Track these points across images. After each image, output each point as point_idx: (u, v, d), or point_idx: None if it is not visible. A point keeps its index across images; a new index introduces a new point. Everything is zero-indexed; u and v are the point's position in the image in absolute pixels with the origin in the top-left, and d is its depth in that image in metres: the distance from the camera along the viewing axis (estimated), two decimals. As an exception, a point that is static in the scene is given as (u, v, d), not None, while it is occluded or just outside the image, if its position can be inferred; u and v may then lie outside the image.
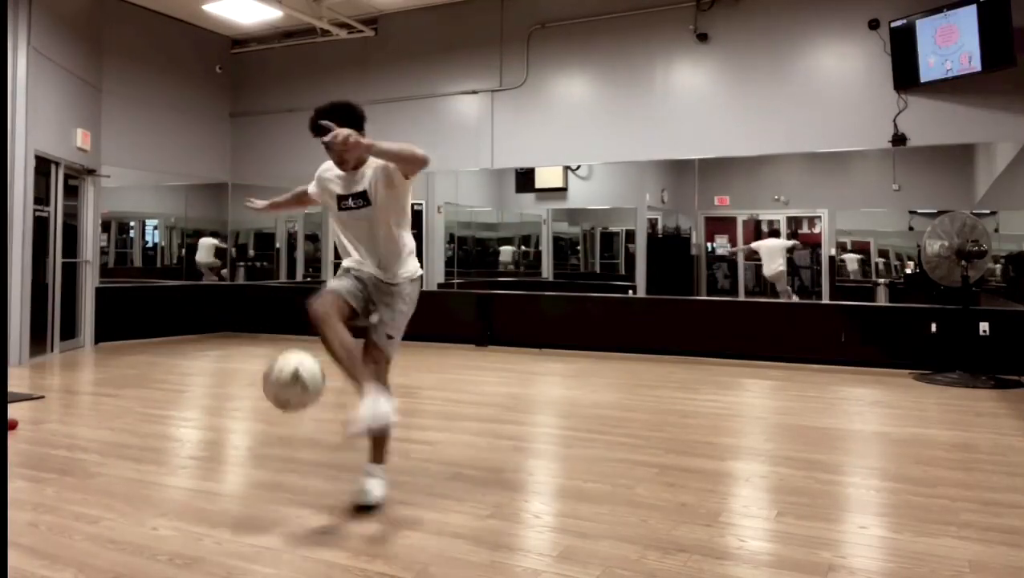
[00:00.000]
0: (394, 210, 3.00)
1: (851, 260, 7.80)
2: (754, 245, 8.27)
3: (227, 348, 8.27)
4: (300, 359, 2.73)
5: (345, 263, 3.07)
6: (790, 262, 8.14)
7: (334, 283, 2.96)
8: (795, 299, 8.06)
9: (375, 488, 2.96)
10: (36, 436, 4.10)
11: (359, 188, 2.97)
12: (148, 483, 3.26)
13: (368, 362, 2.90)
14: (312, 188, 3.22)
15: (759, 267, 8.29)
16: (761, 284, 8.30)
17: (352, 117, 2.95)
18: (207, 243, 9.90)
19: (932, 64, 6.52)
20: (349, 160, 2.95)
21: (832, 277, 7.65)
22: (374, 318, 3.00)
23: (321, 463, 3.57)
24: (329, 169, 3.07)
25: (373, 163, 3.00)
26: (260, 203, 3.52)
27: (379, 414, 2.72)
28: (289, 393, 2.71)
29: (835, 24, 7.10)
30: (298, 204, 3.44)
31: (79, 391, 5.79)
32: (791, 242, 8.13)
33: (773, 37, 7.33)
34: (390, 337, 2.99)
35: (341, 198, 3.01)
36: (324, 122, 2.89)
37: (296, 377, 2.69)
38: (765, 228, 8.29)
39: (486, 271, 9.51)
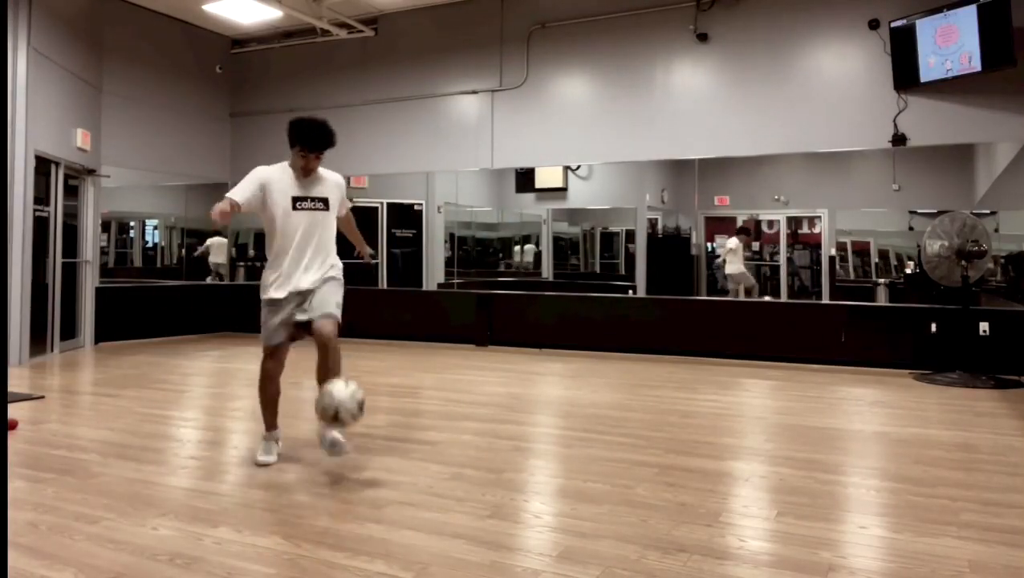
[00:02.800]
0: (335, 218, 3.68)
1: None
2: (729, 244, 8.26)
3: (227, 348, 8.27)
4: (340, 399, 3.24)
5: (272, 291, 3.51)
6: (790, 262, 8.14)
7: (276, 336, 3.54)
8: (759, 297, 8.12)
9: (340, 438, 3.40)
10: (36, 436, 4.10)
11: (320, 193, 3.58)
12: (148, 483, 3.26)
13: (321, 349, 3.43)
14: (242, 197, 3.47)
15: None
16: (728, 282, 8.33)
17: (332, 142, 3.57)
18: (220, 242, 9.91)
19: (932, 64, 6.52)
20: (315, 170, 3.56)
21: (832, 277, 7.65)
22: (311, 312, 3.48)
23: (321, 463, 3.57)
24: (281, 174, 3.54)
25: (327, 176, 3.64)
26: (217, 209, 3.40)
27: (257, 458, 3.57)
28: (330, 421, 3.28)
29: (835, 24, 7.10)
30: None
31: (79, 391, 5.79)
32: (733, 243, 8.18)
33: (773, 37, 7.33)
34: (335, 308, 3.53)
35: (299, 199, 3.53)
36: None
37: (337, 417, 3.24)
38: (766, 228, 8.29)
39: (486, 271, 9.51)
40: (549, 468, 3.62)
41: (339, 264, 3.69)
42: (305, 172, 3.54)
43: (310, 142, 3.48)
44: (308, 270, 3.54)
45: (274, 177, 3.54)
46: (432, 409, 5.01)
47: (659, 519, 2.82)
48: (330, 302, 3.51)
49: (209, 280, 9.86)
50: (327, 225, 3.62)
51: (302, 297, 3.53)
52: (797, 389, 5.79)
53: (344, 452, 3.40)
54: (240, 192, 3.48)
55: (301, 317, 3.51)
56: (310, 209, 3.55)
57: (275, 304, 3.52)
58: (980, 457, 3.76)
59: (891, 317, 6.91)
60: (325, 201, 3.59)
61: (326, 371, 3.42)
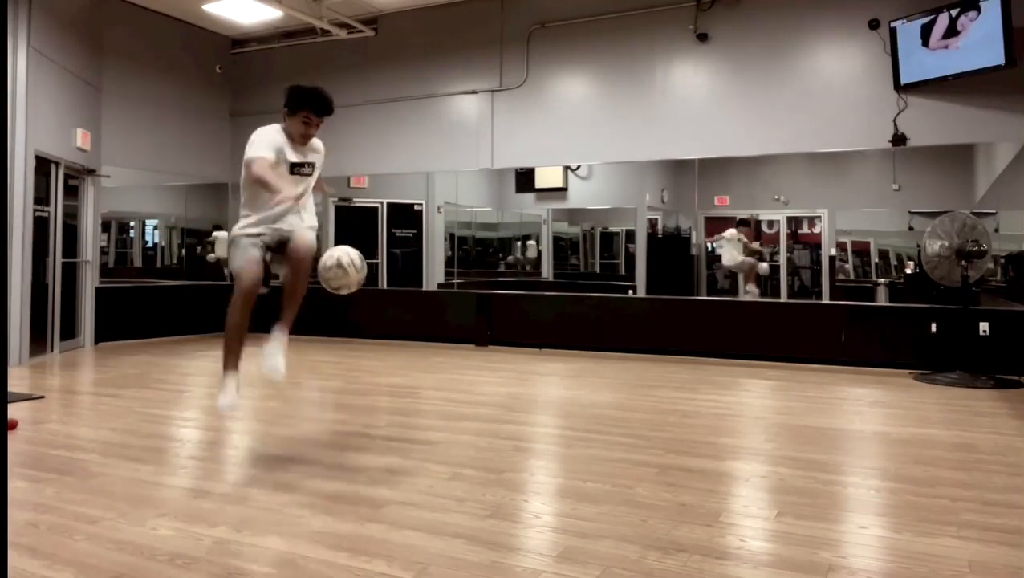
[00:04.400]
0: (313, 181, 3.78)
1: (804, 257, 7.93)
2: (726, 234, 8.23)
3: (227, 348, 8.26)
4: (342, 251, 3.53)
5: (259, 225, 3.54)
6: (789, 262, 8.13)
7: (253, 253, 3.50)
8: (755, 292, 8.12)
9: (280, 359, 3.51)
10: (36, 436, 4.10)
11: (310, 160, 3.68)
12: (148, 483, 3.26)
13: (289, 273, 3.55)
14: (273, 154, 3.52)
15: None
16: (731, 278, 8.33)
17: (333, 108, 3.64)
18: (223, 237, 9.88)
19: (932, 64, 6.52)
20: (311, 136, 3.62)
21: (832, 277, 7.65)
22: (286, 234, 3.54)
23: (321, 463, 3.57)
24: (279, 137, 3.55)
25: (319, 146, 3.74)
26: (290, 193, 3.49)
27: (228, 404, 3.46)
28: (332, 274, 3.52)
29: (835, 24, 7.10)
30: None
31: (79, 391, 5.79)
32: (730, 233, 8.15)
33: (773, 37, 7.33)
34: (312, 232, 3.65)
35: (296, 165, 3.61)
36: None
37: (339, 264, 3.50)
38: (766, 228, 8.28)
39: (486, 271, 9.51)
40: (549, 468, 3.62)
41: (315, 221, 3.78)
42: (305, 139, 3.59)
43: (316, 106, 3.53)
44: (286, 219, 3.59)
45: (275, 136, 3.57)
46: (432, 409, 5.01)
47: (659, 519, 2.82)
48: (309, 228, 3.64)
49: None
50: (310, 189, 3.72)
51: (279, 234, 3.57)
52: (797, 389, 5.79)
53: (278, 373, 3.49)
54: (266, 149, 3.49)
55: (280, 248, 3.56)
56: (304, 174, 3.64)
57: (251, 236, 3.54)
58: (980, 457, 3.76)
59: (891, 317, 6.91)
60: (313, 166, 3.70)
61: (292, 286, 3.54)
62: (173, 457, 3.73)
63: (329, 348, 8.08)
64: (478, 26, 8.57)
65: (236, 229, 3.62)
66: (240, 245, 3.55)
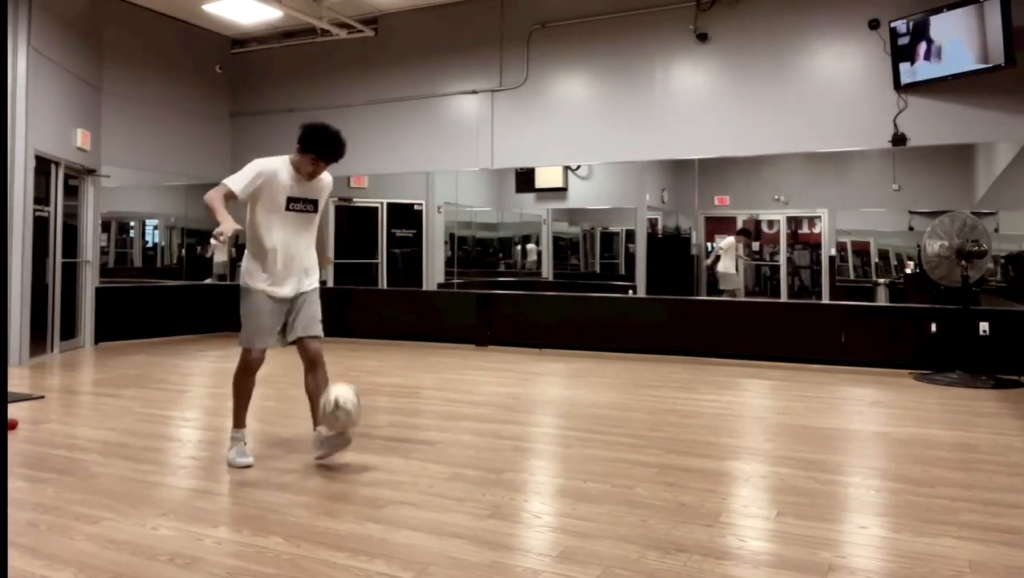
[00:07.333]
0: (318, 221, 3.69)
1: (801, 256, 7.95)
2: (723, 245, 8.25)
3: (227, 348, 8.27)
4: (338, 392, 3.36)
5: (262, 284, 3.49)
6: (790, 262, 8.14)
7: (266, 328, 3.51)
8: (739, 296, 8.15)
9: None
10: (36, 436, 4.10)
11: (312, 195, 3.59)
12: (148, 483, 3.26)
13: (309, 365, 3.61)
14: (241, 190, 3.42)
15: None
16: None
17: (343, 154, 3.56)
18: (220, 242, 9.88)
19: (932, 64, 6.52)
20: (317, 175, 3.55)
21: (832, 277, 7.65)
22: (297, 332, 3.59)
23: (320, 463, 3.57)
24: (281, 169, 3.49)
25: (325, 181, 3.65)
26: (228, 228, 3.25)
27: (237, 461, 3.50)
28: (333, 419, 3.36)
29: (835, 24, 7.10)
30: None
31: (79, 391, 5.79)
32: (727, 242, 8.18)
33: (773, 37, 7.33)
34: (320, 326, 3.66)
35: (293, 200, 3.53)
36: None
37: (337, 406, 3.33)
38: (766, 228, 8.28)
39: (486, 271, 9.51)
40: (549, 468, 3.62)
41: (316, 269, 3.70)
42: (310, 177, 3.53)
43: (325, 153, 3.45)
44: (288, 274, 3.54)
45: (273, 171, 3.47)
46: (432, 409, 5.01)
47: (659, 519, 2.82)
48: (316, 320, 3.63)
49: (209, 280, 9.84)
50: (312, 227, 3.64)
51: (286, 305, 3.57)
52: (797, 389, 5.79)
53: (332, 452, 3.52)
54: (238, 183, 3.41)
55: (290, 336, 3.59)
56: (300, 211, 3.56)
57: (268, 301, 3.51)
58: (980, 457, 3.76)
59: (891, 317, 6.91)
60: (315, 203, 3.62)
61: (316, 385, 3.59)
62: (173, 457, 3.73)
63: (329, 348, 8.03)
64: (478, 26, 8.57)
65: (250, 273, 3.52)
66: (255, 306, 3.50)
